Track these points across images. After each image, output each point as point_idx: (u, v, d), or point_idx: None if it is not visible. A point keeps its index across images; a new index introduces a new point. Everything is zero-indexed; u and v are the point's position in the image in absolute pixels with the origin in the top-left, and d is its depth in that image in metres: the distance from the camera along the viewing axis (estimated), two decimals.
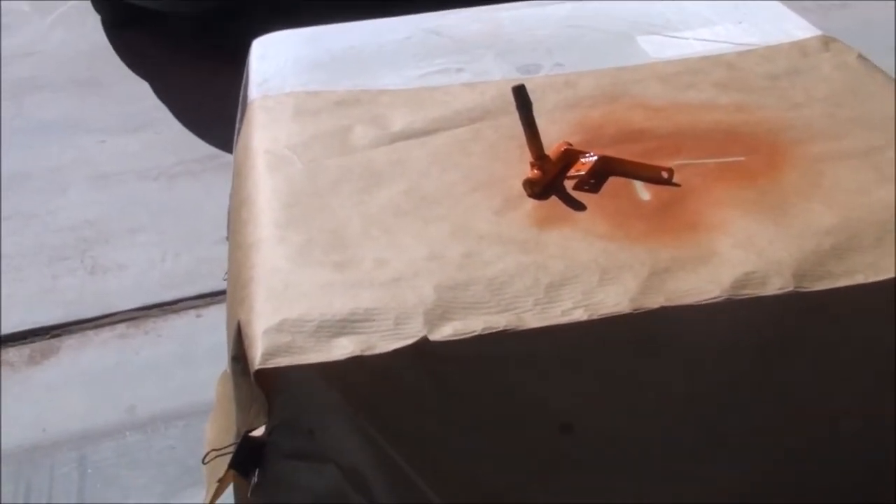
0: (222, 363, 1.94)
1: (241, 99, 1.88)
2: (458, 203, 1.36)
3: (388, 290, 1.18)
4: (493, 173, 1.42)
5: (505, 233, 1.28)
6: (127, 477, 2.17)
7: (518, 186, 1.37)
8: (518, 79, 1.65)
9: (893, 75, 1.67)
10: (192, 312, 2.70)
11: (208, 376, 2.05)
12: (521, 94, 1.39)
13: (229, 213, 1.93)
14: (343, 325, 1.14)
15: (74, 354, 2.58)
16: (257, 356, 1.11)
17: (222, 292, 2.66)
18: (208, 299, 2.73)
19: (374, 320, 1.14)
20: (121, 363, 2.54)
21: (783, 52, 1.73)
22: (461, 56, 1.80)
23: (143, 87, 4.05)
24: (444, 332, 1.11)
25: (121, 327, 2.66)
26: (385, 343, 1.11)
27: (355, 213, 1.35)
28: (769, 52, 1.73)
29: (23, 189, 3.34)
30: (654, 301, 1.14)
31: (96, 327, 2.67)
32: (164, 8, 4.18)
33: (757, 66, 1.69)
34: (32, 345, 2.60)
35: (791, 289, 1.14)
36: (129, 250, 2.98)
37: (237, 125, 1.85)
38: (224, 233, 2.19)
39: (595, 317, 1.12)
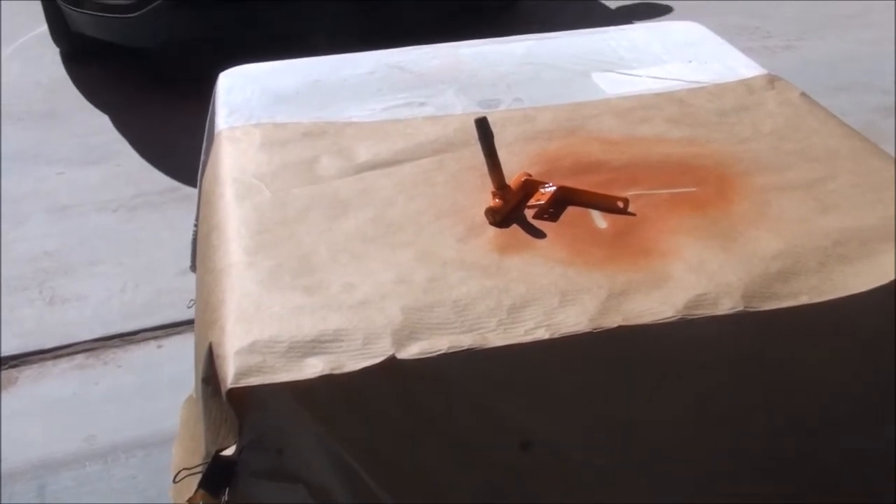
0: (183, 393, 1.96)
1: (206, 130, 1.92)
2: (422, 230, 1.40)
3: (356, 311, 1.22)
4: (456, 202, 1.48)
5: (468, 258, 1.33)
6: None
7: (480, 215, 1.43)
8: (479, 112, 1.71)
9: (834, 112, 1.76)
10: (153, 343, 2.70)
11: (169, 406, 2.06)
12: (483, 126, 1.45)
13: (193, 242, 1.96)
14: (313, 346, 1.17)
15: (33, 385, 2.56)
16: (229, 376, 1.14)
17: (183, 323, 2.69)
18: (169, 330, 2.72)
19: (343, 340, 1.18)
20: (80, 393, 2.52)
21: (731, 89, 1.82)
22: (424, 90, 1.86)
23: (102, 120, 4.05)
24: (411, 350, 1.16)
25: (80, 358, 2.65)
26: (354, 362, 1.15)
27: (323, 239, 1.39)
28: (718, 90, 1.82)
29: None
30: (613, 321, 1.19)
31: (55, 358, 2.65)
32: (123, 41, 4.20)
33: (707, 102, 1.77)
34: None
35: (740, 309, 1.21)
36: (89, 281, 2.98)
37: (203, 156, 1.89)
38: (185, 264, 2.21)
39: (556, 336, 1.18)
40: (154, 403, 2.41)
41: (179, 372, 1.86)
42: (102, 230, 3.27)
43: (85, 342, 2.71)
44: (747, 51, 2.05)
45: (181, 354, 1.98)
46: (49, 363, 2.64)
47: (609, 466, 1.28)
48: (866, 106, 3.86)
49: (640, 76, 1.90)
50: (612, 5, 5.06)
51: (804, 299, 1.23)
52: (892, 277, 1.25)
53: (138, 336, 2.73)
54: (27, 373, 2.60)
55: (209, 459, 1.19)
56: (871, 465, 1.38)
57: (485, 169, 1.47)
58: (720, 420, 1.29)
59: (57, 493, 2.19)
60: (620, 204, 1.43)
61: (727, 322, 1.20)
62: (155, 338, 2.73)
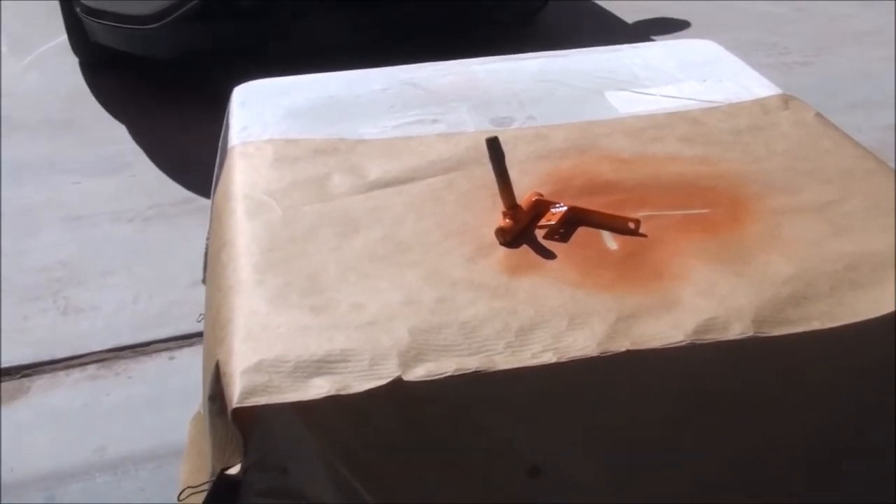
0: (193, 405, 1.96)
1: (220, 144, 1.92)
2: (432, 250, 1.40)
3: (363, 332, 1.22)
4: (466, 222, 1.47)
5: (477, 279, 1.32)
6: None
7: (490, 235, 1.42)
8: (491, 130, 1.71)
9: (849, 129, 1.75)
10: (165, 354, 2.70)
11: (179, 418, 2.06)
12: (494, 145, 1.45)
13: (206, 256, 1.96)
14: (319, 366, 1.17)
15: (44, 395, 2.57)
16: (235, 395, 1.14)
17: (195, 335, 2.70)
18: (181, 341, 2.73)
19: (349, 361, 1.17)
20: (91, 404, 2.53)
21: (745, 109, 1.81)
22: (436, 107, 1.86)
23: (120, 130, 4.07)
24: (418, 372, 1.15)
25: (92, 368, 2.66)
26: (360, 383, 1.14)
27: (332, 258, 1.39)
28: (732, 109, 1.81)
29: None
30: (621, 345, 1.18)
31: (67, 368, 2.66)
32: (143, 52, 4.23)
33: (720, 121, 1.76)
34: (2, 384, 2.59)
35: (751, 334, 1.20)
36: (102, 291, 2.99)
37: (216, 170, 1.89)
38: (198, 276, 2.21)
39: (564, 359, 1.17)
40: (165, 415, 2.41)
41: (191, 384, 1.86)
42: (117, 240, 3.28)
43: (97, 353, 2.72)
44: (765, 66, 2.04)
45: (193, 366, 1.98)
46: (61, 373, 2.65)
47: (620, 494, 1.27)
48: (881, 123, 3.84)
49: (654, 95, 1.89)
50: (629, 20, 5.05)
51: (815, 324, 1.21)
52: None
53: (150, 347, 2.74)
54: (39, 383, 2.61)
55: (214, 478, 1.19)
56: (872, 490, 1.37)
57: (496, 188, 1.47)
58: (731, 445, 1.27)
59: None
60: (631, 225, 1.43)
61: (737, 347, 1.19)
62: (167, 349, 2.74)
